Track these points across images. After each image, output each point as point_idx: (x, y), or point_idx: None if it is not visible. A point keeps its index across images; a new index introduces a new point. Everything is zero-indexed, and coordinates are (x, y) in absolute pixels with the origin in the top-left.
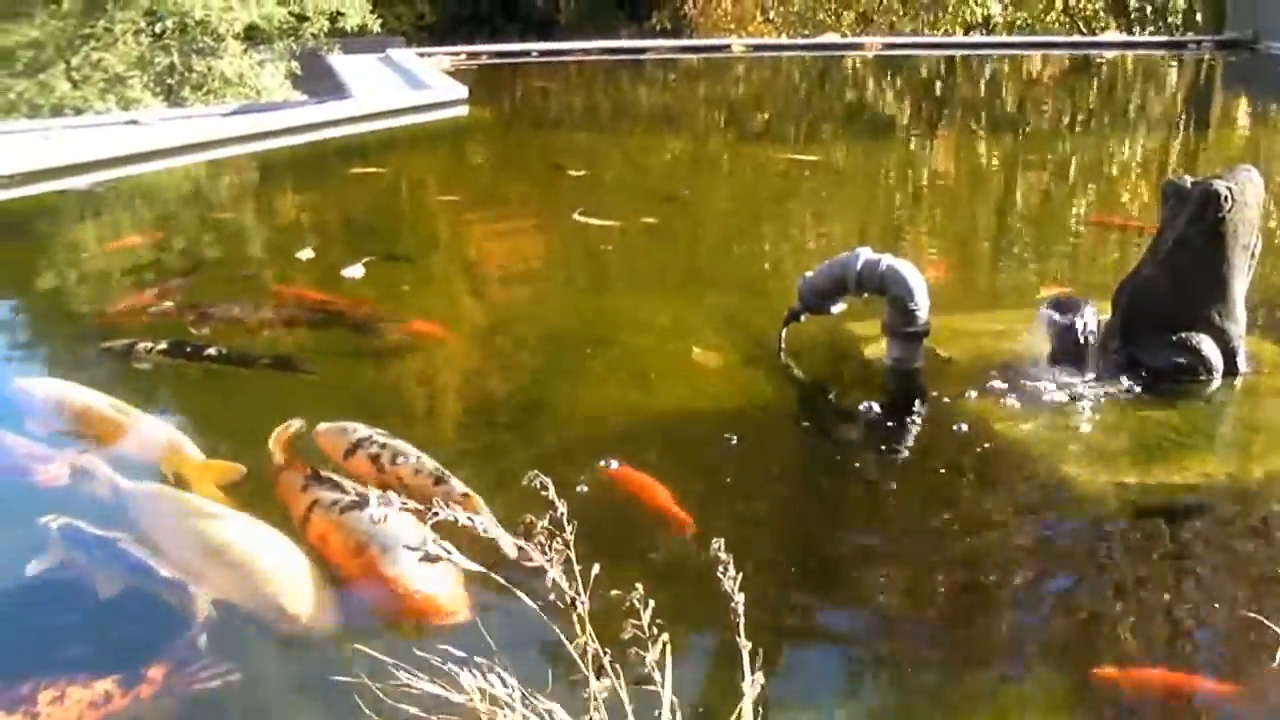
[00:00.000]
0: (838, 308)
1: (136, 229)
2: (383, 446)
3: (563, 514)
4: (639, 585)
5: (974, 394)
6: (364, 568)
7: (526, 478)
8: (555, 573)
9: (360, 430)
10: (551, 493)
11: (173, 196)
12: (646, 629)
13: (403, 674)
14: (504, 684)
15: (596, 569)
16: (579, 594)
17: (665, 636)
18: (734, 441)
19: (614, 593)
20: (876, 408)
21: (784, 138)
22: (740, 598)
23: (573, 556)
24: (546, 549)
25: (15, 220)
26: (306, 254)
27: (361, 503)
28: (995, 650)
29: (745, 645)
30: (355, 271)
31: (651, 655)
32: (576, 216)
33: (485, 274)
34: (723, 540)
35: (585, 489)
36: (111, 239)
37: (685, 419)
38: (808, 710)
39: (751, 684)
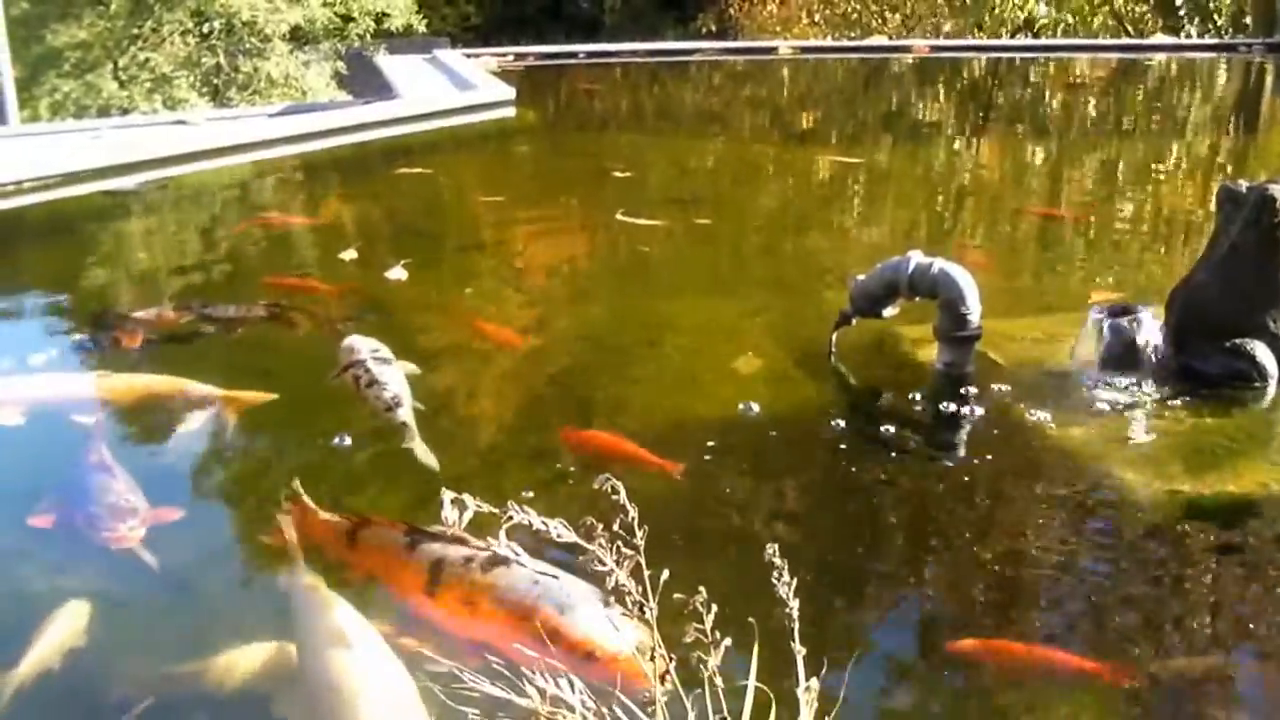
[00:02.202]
0: (889, 311)
1: (182, 229)
2: (367, 371)
3: (633, 519)
4: (702, 589)
5: (1024, 399)
6: (544, 633)
7: (597, 481)
8: (623, 576)
9: (361, 351)
10: (623, 496)
11: (219, 197)
12: (709, 633)
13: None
14: (568, 687)
15: (666, 574)
16: (647, 599)
17: (728, 641)
18: (781, 444)
19: (676, 596)
20: (925, 411)
21: (829, 140)
22: (795, 604)
23: (642, 562)
24: (611, 551)
25: (64, 220)
26: (350, 254)
27: (501, 558)
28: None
29: (800, 651)
30: (398, 274)
31: (714, 660)
32: (620, 217)
33: (529, 274)
34: (776, 546)
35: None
36: (157, 240)
37: (731, 423)
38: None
39: (806, 689)
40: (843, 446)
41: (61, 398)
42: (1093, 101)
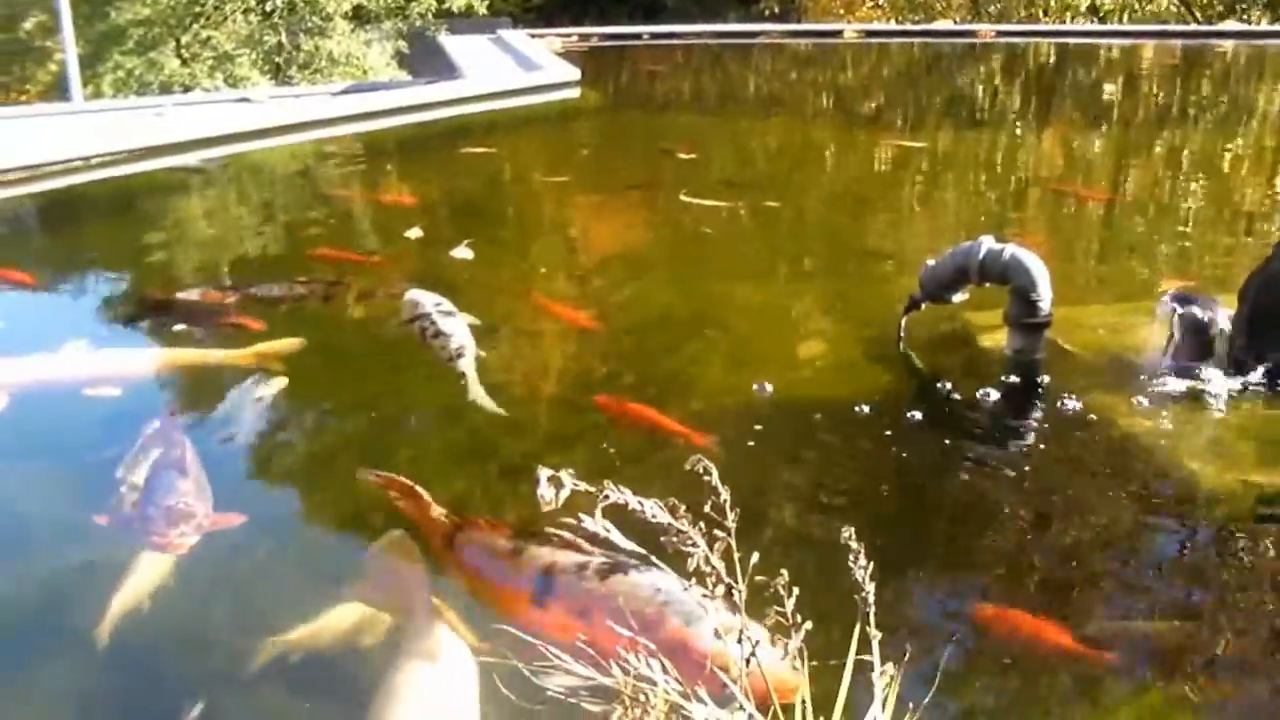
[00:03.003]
0: (958, 297)
1: (245, 206)
2: (433, 323)
3: (725, 500)
4: (784, 571)
5: (1095, 387)
6: (670, 648)
7: (689, 462)
8: (715, 559)
9: (426, 305)
10: (715, 479)
11: (282, 175)
12: (790, 617)
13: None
14: (650, 666)
15: (756, 557)
16: (736, 580)
17: (808, 625)
18: (845, 428)
19: (759, 577)
20: (994, 397)
21: (892, 124)
22: (871, 588)
23: (733, 544)
24: (696, 532)
25: (127, 197)
26: (415, 233)
27: (618, 565)
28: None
29: (875, 635)
30: (464, 253)
31: (794, 642)
32: (684, 198)
33: (592, 254)
34: (851, 530)
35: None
36: (219, 217)
37: (796, 405)
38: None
39: (882, 674)
40: (907, 431)
41: (120, 374)
42: (1159, 87)
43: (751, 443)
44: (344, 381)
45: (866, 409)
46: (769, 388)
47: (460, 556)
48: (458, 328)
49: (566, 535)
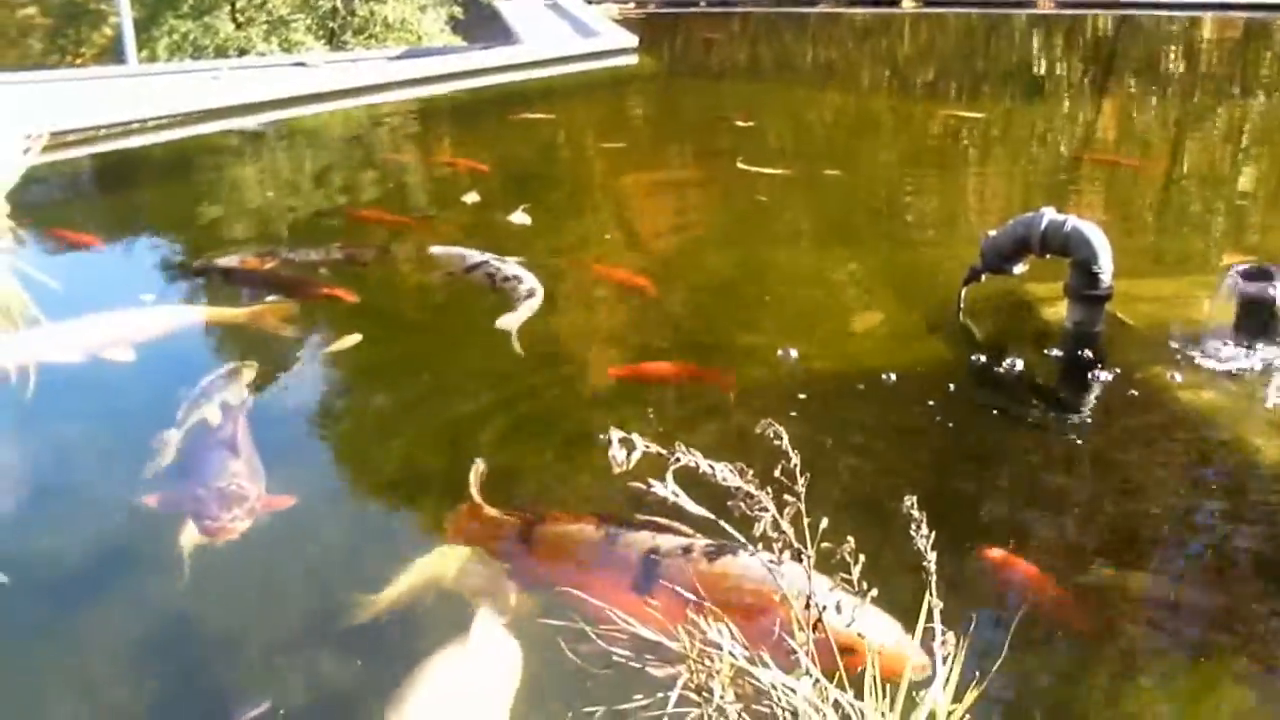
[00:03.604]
0: (1018, 268)
1: (298, 170)
2: (498, 269)
3: (795, 465)
4: (850, 538)
5: (1155, 361)
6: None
7: (760, 426)
8: (785, 523)
9: (475, 255)
10: (785, 443)
11: (338, 139)
12: (856, 584)
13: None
14: (717, 630)
15: (825, 522)
16: (805, 545)
17: (874, 592)
18: (901, 396)
19: (824, 545)
20: (1053, 369)
21: (950, 94)
22: (933, 557)
23: (802, 509)
24: (760, 497)
25: (183, 159)
26: (472, 198)
27: (723, 548)
28: (1151, 625)
29: (938, 605)
30: (521, 218)
31: (860, 607)
32: (740, 165)
33: (649, 220)
34: (913, 499)
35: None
36: (272, 180)
37: (848, 374)
38: None
39: (943, 643)
40: (962, 401)
41: (170, 333)
42: (1219, 61)
43: (800, 410)
44: (396, 343)
45: (923, 377)
46: (794, 353)
47: (549, 548)
48: (520, 270)
49: (661, 521)
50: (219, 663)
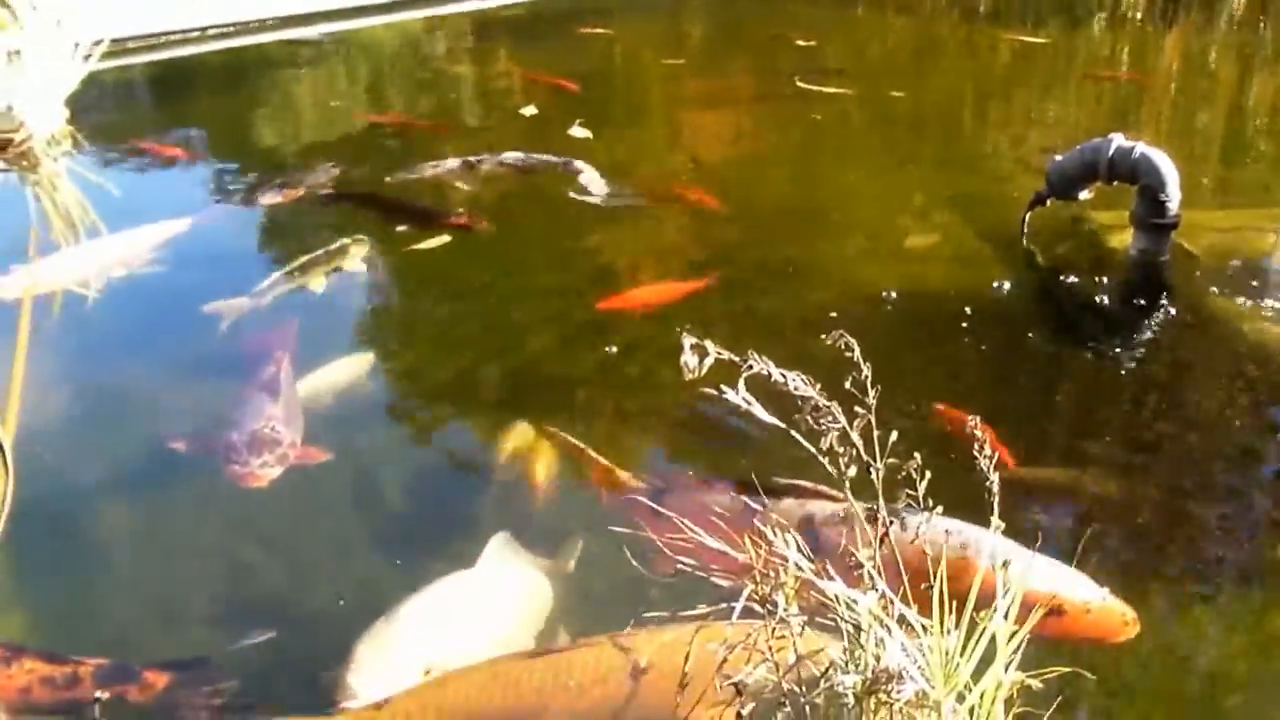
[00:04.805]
0: (1084, 194)
1: (358, 85)
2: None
3: (867, 377)
4: (917, 454)
5: (1220, 291)
6: (981, 596)
7: (830, 337)
8: (854, 435)
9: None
10: (857, 354)
11: (399, 50)
12: (921, 500)
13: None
14: (784, 543)
15: (895, 435)
16: (875, 459)
17: (939, 508)
18: (961, 318)
19: (891, 460)
20: (1117, 296)
21: (1014, 19)
22: (995, 477)
23: (872, 421)
24: (827, 412)
25: (241, 69)
26: (530, 110)
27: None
28: (1198, 556)
29: (999, 525)
30: (582, 132)
31: (927, 522)
32: (799, 83)
33: (708, 137)
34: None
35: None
36: (326, 92)
37: (911, 294)
38: None
39: (1004, 566)
40: (1024, 326)
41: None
42: None
43: (869, 328)
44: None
45: (984, 301)
46: (932, 281)
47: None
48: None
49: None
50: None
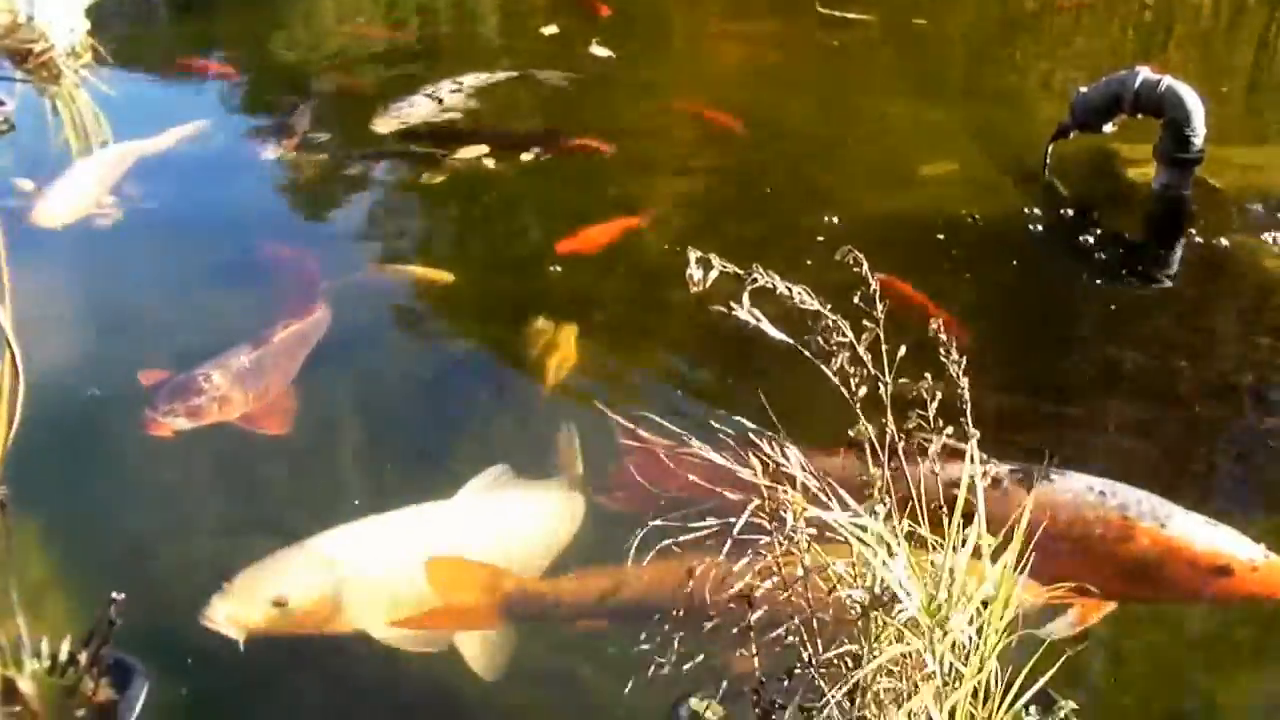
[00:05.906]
0: (1108, 127)
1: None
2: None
3: (875, 291)
4: (928, 375)
5: (1243, 228)
6: (1151, 561)
7: (840, 253)
8: (861, 350)
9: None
10: (865, 269)
11: None
12: (932, 421)
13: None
14: (787, 458)
15: (903, 350)
16: (883, 375)
17: (950, 429)
18: (978, 246)
19: (902, 381)
20: (1136, 231)
21: None
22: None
23: (881, 335)
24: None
25: None
26: (551, 29)
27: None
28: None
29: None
30: (603, 51)
31: (934, 447)
32: (820, 9)
33: (729, 60)
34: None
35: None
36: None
37: (929, 227)
38: None
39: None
40: (1042, 256)
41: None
42: None
43: (884, 252)
44: None
45: (1004, 231)
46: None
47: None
48: None
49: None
50: None
